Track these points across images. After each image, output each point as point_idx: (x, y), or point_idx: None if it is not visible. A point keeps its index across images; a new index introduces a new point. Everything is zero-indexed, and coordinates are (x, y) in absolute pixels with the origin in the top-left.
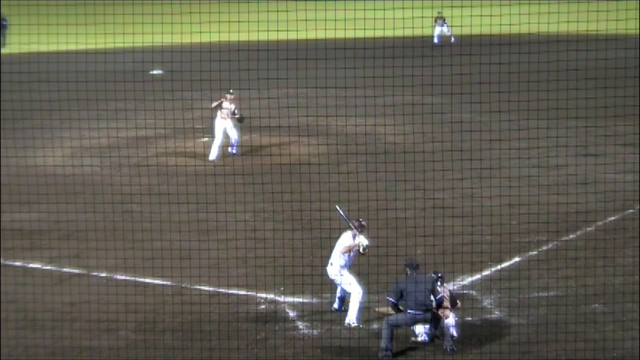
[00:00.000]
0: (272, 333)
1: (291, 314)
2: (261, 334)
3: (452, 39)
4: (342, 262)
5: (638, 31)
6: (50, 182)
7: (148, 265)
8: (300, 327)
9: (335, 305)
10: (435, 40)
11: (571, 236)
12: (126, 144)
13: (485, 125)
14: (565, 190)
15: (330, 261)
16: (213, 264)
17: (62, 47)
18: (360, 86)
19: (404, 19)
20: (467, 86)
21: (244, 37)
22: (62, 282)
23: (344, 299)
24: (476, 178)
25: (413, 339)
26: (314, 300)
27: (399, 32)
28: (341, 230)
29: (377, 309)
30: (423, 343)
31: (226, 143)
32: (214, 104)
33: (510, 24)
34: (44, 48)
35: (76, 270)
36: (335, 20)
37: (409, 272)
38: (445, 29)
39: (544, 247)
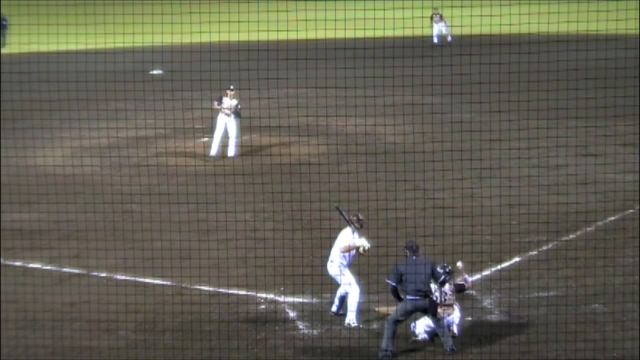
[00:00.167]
0: (272, 333)
1: (291, 314)
2: (261, 334)
3: (449, 38)
4: (343, 261)
5: (638, 31)
6: (50, 182)
7: (148, 265)
8: (300, 327)
9: (334, 308)
10: (435, 40)
11: (571, 236)
12: (126, 144)
13: (485, 125)
14: (565, 190)
15: (330, 259)
16: (213, 264)
17: (62, 47)
18: (360, 86)
19: (404, 19)
20: (467, 86)
21: (244, 37)
22: (62, 282)
23: (344, 299)
24: (476, 178)
25: (413, 338)
26: (314, 300)
27: (399, 32)
28: (341, 230)
29: (377, 309)
30: (423, 342)
31: (225, 142)
32: (216, 103)
33: (510, 24)
34: (44, 48)
35: (76, 270)
36: (335, 20)
37: (408, 254)
38: (443, 28)
39: (544, 247)
